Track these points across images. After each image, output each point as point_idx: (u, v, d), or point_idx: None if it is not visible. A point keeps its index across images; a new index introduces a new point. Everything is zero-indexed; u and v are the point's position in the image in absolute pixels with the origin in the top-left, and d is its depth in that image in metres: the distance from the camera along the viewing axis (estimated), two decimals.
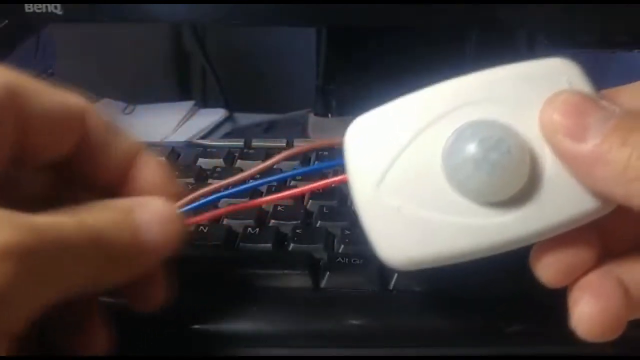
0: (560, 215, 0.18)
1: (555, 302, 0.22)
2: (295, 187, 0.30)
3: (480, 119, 0.18)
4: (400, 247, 0.18)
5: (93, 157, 0.20)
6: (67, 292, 0.16)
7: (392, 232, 0.18)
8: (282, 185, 0.30)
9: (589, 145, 0.16)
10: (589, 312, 0.18)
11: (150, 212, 0.18)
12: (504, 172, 0.17)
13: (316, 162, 0.31)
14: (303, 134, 0.44)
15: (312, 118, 0.45)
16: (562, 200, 0.18)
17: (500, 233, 0.18)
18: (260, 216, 0.28)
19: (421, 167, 0.18)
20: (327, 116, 0.45)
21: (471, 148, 0.17)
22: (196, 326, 0.22)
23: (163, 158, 0.21)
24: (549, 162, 0.18)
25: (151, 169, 0.21)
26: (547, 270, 0.19)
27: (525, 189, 0.17)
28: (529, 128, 0.18)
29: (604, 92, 0.19)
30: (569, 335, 0.19)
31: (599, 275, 0.19)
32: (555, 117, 0.17)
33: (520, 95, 0.18)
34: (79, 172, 0.20)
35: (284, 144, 0.35)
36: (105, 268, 0.17)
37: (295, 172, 0.26)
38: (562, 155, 0.17)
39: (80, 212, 0.17)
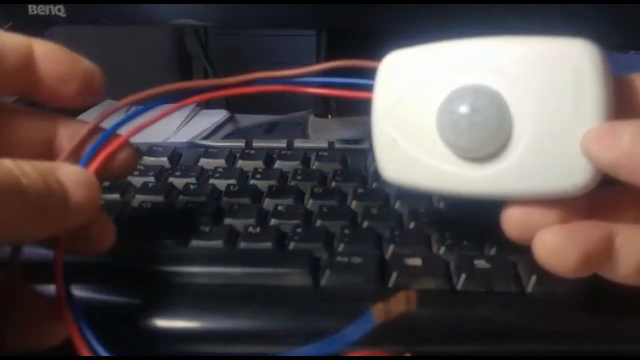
0: (528, 186, 0.20)
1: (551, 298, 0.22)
2: (296, 187, 0.30)
3: (475, 85, 0.20)
4: (390, 168, 0.22)
5: None
6: None
7: (387, 156, 0.22)
8: (284, 184, 0.31)
9: None
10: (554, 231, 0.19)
11: (69, 173, 0.19)
12: (476, 136, 0.19)
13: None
14: (303, 134, 0.44)
15: (312, 119, 0.46)
16: (535, 174, 0.19)
17: (469, 185, 0.20)
18: (261, 215, 0.28)
19: (420, 113, 0.21)
20: (327, 117, 0.45)
21: (455, 110, 0.20)
22: (196, 324, 0.22)
23: (60, 46, 0.21)
24: (533, 137, 0.19)
25: (51, 59, 0.21)
26: (513, 228, 0.20)
27: (502, 154, 0.20)
28: (520, 102, 0.19)
29: (620, 76, 0.19)
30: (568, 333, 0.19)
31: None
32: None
33: (522, 71, 0.19)
34: None
35: (285, 145, 0.36)
36: (29, 221, 0.17)
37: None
38: None
39: (3, 163, 0.17)
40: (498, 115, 0.19)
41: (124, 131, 0.23)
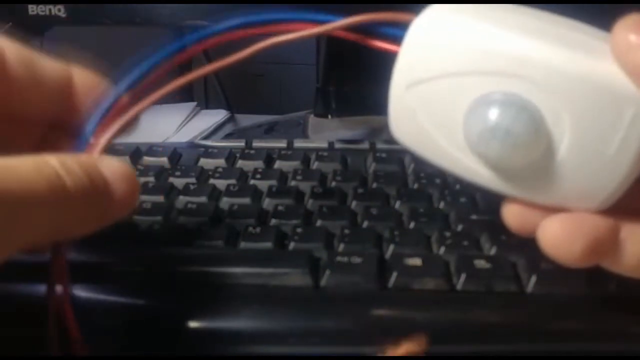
0: (541, 196, 0.19)
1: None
2: (296, 187, 0.30)
3: (516, 97, 0.18)
4: (402, 132, 0.21)
5: (20, 94, 0.20)
6: (30, 244, 0.16)
7: (401, 122, 0.20)
8: (284, 184, 0.31)
9: None
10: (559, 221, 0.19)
11: (112, 168, 0.19)
12: (506, 152, 0.18)
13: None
14: (303, 134, 0.44)
15: (312, 119, 0.46)
16: (552, 189, 0.19)
17: (480, 179, 0.20)
18: (261, 215, 0.28)
19: (450, 102, 0.19)
20: (326, 117, 0.45)
21: (489, 119, 0.18)
22: (196, 325, 0.22)
23: (98, 75, 0.22)
24: (561, 161, 0.18)
25: (91, 88, 0.21)
26: (514, 220, 0.20)
27: (525, 167, 0.19)
28: (559, 123, 0.18)
29: None
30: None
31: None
32: (631, 37, 0.17)
33: (575, 91, 0.17)
34: (12, 114, 0.20)
35: (285, 145, 0.36)
36: (73, 221, 0.17)
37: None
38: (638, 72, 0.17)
39: (49, 162, 0.17)
40: (535, 138, 0.18)
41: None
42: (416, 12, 0.19)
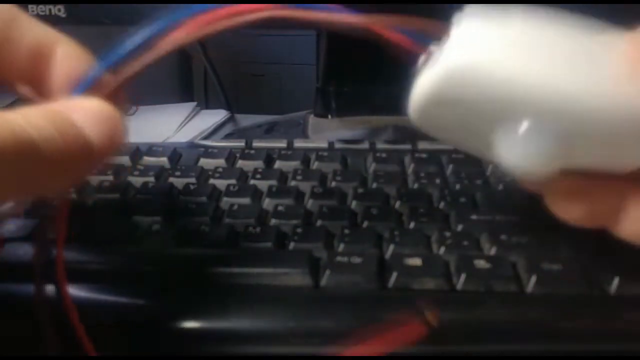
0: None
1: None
2: (296, 187, 0.30)
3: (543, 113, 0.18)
4: (424, 125, 0.20)
5: None
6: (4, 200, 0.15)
7: (424, 118, 0.20)
8: (284, 184, 0.31)
9: None
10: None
11: (87, 112, 0.17)
12: (537, 163, 0.18)
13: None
14: (303, 134, 0.44)
15: (312, 119, 0.46)
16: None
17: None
18: (261, 215, 0.28)
19: (480, 120, 0.19)
20: (326, 117, 0.45)
21: (520, 133, 0.18)
22: (196, 325, 0.22)
23: (84, 50, 0.20)
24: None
25: (72, 61, 0.20)
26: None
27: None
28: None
29: None
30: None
31: None
32: None
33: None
34: None
35: (285, 145, 0.36)
36: (47, 176, 0.16)
37: None
38: None
39: (12, 118, 0.15)
40: (564, 150, 0.18)
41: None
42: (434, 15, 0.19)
